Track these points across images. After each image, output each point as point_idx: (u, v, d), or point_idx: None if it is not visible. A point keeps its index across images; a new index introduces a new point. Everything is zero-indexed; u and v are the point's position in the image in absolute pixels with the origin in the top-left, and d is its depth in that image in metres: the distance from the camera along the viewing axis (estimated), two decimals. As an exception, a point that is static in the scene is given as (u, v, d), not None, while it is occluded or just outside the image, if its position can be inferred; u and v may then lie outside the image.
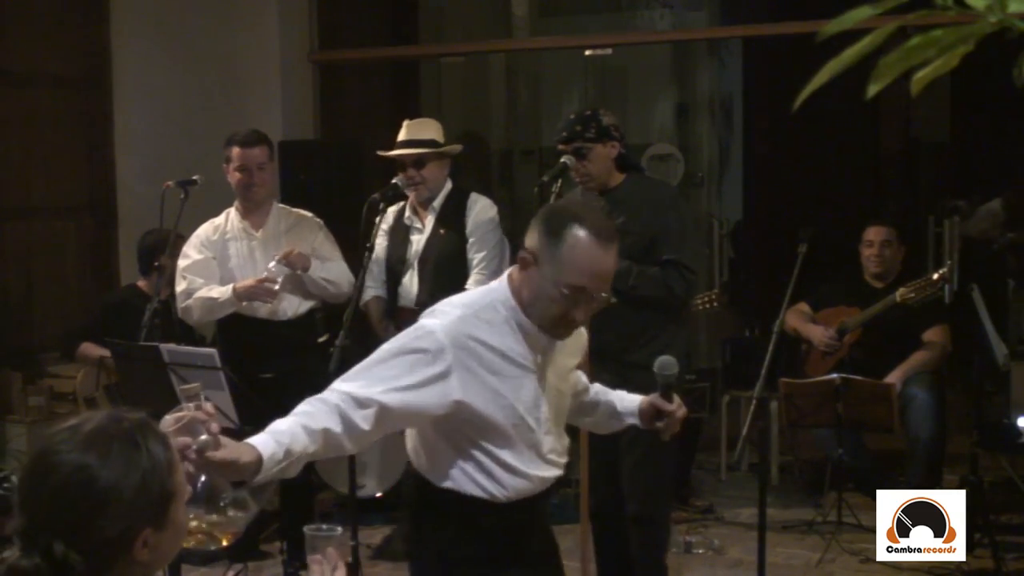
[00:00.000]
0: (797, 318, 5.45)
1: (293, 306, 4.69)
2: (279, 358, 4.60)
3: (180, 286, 4.65)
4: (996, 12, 1.06)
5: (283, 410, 4.63)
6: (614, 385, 4.01)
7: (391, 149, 4.52)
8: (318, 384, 4.73)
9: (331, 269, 4.70)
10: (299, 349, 4.72)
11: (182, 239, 4.98)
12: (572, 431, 6.47)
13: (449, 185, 4.45)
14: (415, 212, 4.46)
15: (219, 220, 4.77)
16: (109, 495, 1.61)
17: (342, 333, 3.98)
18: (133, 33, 6.49)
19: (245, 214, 4.72)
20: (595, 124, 3.97)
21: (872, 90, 1.12)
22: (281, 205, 4.83)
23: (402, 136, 4.43)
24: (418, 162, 4.33)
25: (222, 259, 4.69)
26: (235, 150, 4.62)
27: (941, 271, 5.07)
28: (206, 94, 6.73)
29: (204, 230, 4.73)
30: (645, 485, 4.07)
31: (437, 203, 4.42)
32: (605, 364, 4.01)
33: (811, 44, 1.26)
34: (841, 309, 5.46)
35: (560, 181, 3.92)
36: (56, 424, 1.70)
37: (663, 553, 4.14)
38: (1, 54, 6.03)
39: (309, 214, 4.84)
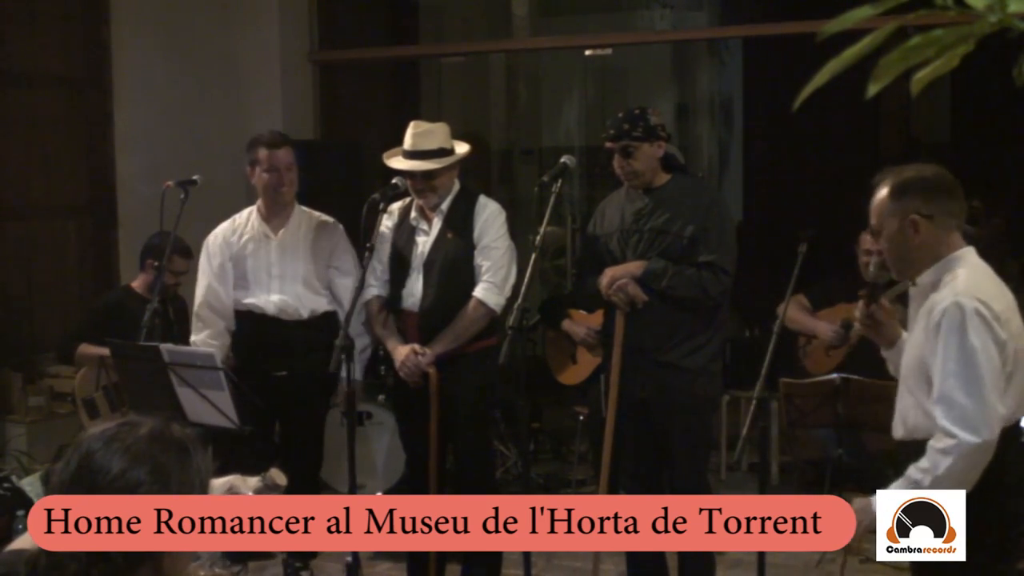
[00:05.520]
0: (799, 311, 5.43)
1: (309, 307, 4.65)
2: (293, 357, 4.58)
3: (198, 295, 4.65)
4: (996, 12, 1.06)
5: (295, 408, 4.64)
6: (646, 384, 4.03)
7: (393, 148, 4.40)
8: (329, 384, 4.74)
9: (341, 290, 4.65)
10: (314, 349, 4.63)
11: (182, 246, 5.00)
12: (585, 437, 6.41)
13: (457, 186, 4.31)
14: (421, 213, 4.32)
15: (240, 219, 4.72)
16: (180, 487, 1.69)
17: (342, 333, 3.97)
18: (133, 33, 6.49)
19: (268, 216, 4.66)
20: (642, 123, 4.00)
21: (872, 90, 1.12)
22: (303, 208, 4.73)
23: (408, 144, 4.23)
24: (427, 174, 4.19)
25: (238, 259, 4.64)
26: (263, 151, 4.56)
27: None
28: (206, 94, 6.73)
29: (223, 229, 4.69)
30: (697, 459, 4.14)
31: (445, 205, 4.28)
32: (639, 362, 4.03)
33: (811, 44, 1.26)
34: (841, 307, 5.44)
35: (560, 181, 3.92)
36: (106, 423, 1.76)
37: None
38: (1, 54, 6.02)
39: (331, 219, 4.76)
